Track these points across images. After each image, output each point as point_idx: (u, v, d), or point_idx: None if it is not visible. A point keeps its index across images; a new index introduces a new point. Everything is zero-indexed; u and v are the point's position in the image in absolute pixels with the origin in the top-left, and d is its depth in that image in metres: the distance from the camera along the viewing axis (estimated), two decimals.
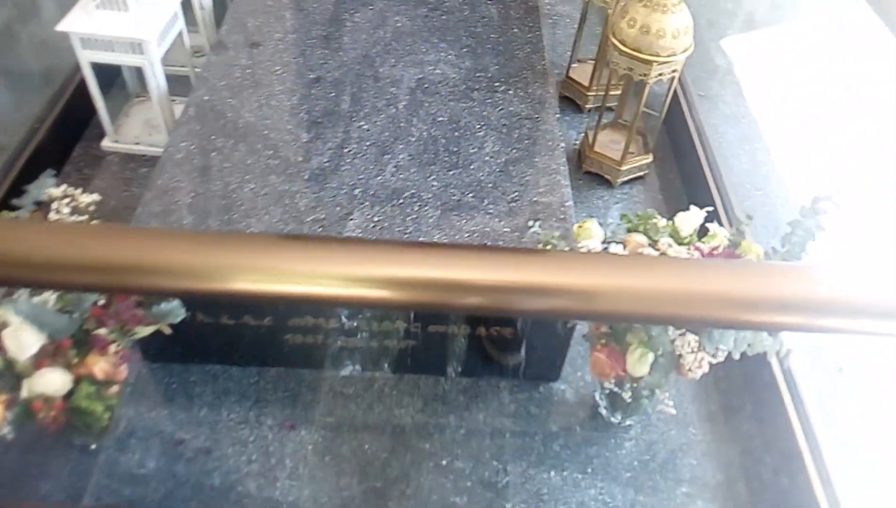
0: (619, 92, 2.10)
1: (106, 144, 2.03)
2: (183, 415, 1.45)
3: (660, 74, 1.78)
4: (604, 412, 1.46)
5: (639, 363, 1.09)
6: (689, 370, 1.12)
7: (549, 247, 1.24)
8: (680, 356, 1.10)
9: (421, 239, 1.43)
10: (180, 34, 1.97)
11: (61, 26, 1.74)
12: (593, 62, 2.29)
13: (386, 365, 1.52)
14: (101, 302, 1.08)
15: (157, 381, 1.50)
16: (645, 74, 1.77)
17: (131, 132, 2.06)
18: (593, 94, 2.27)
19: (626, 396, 1.19)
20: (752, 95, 2.48)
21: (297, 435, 1.43)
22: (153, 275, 0.52)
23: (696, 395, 1.55)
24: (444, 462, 1.41)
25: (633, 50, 1.74)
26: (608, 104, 2.03)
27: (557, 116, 1.78)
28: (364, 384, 1.52)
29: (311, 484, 1.36)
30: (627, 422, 1.46)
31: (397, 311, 1.41)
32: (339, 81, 1.81)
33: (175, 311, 1.14)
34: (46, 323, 1.02)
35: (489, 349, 1.49)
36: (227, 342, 1.49)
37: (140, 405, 1.46)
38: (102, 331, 1.06)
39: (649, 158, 2.06)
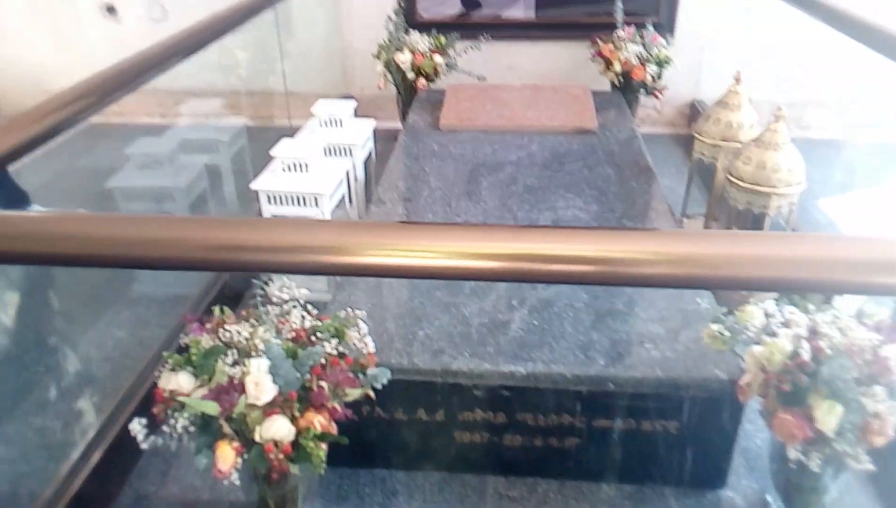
0: None
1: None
2: None
3: (779, 207, 1.93)
4: None
5: (829, 414, 1.11)
6: (878, 432, 1.12)
7: (717, 327, 1.32)
8: (872, 415, 1.11)
9: (580, 338, 1.54)
10: (342, 199, 2.30)
11: (254, 185, 2.09)
12: (703, 217, 2.48)
13: (550, 468, 1.54)
14: (322, 361, 1.22)
15: (328, 483, 1.56)
16: (765, 206, 1.93)
17: None
18: None
19: (815, 465, 1.18)
20: None
21: None
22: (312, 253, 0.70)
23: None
24: None
25: (752, 184, 1.92)
26: None
27: None
28: (528, 487, 1.54)
29: None
30: None
31: (556, 391, 1.47)
32: (482, 223, 2.05)
33: (381, 374, 1.26)
34: (280, 374, 1.16)
35: (653, 449, 1.51)
36: (396, 444, 1.56)
37: (315, 504, 1.51)
38: (324, 388, 1.18)
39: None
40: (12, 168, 2.60)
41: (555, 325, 1.58)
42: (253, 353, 1.17)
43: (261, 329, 1.24)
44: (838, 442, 1.14)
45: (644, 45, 3.17)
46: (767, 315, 1.25)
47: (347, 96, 3.79)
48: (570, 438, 1.50)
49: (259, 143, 2.98)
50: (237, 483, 1.14)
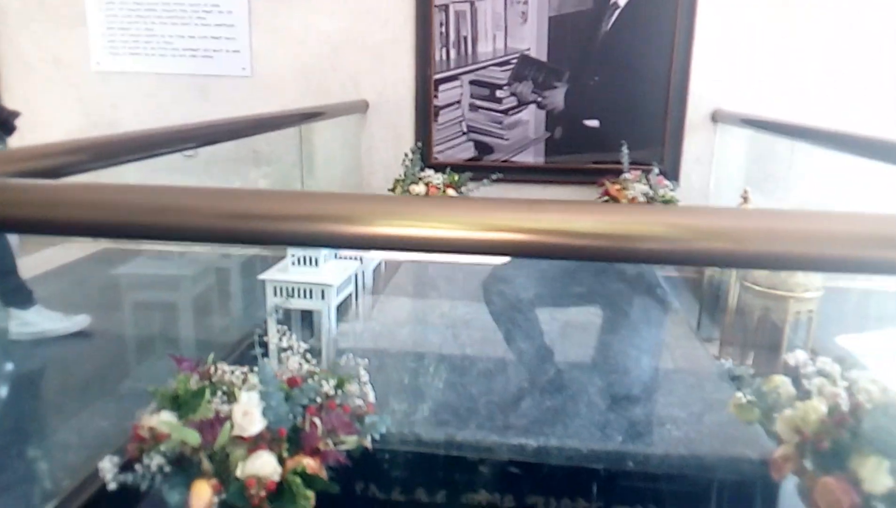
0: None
1: None
2: None
3: (797, 312, 1.88)
4: None
5: (877, 472, 0.99)
6: None
7: (745, 395, 1.23)
8: None
9: (596, 418, 1.43)
10: (350, 297, 2.27)
11: (263, 275, 2.07)
12: (718, 342, 2.41)
13: None
14: (318, 401, 1.12)
15: None
16: (783, 311, 1.88)
17: None
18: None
19: None
20: None
21: None
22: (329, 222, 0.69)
23: None
24: None
25: (768, 289, 1.89)
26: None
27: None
28: None
29: None
30: None
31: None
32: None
33: (380, 423, 1.15)
34: (272, 407, 1.06)
35: None
36: None
37: None
38: (317, 426, 1.08)
39: None
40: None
41: (568, 406, 1.48)
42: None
43: (254, 377, 1.16)
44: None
45: (650, 185, 3.28)
46: (799, 368, 1.16)
47: None
48: None
49: None
50: None
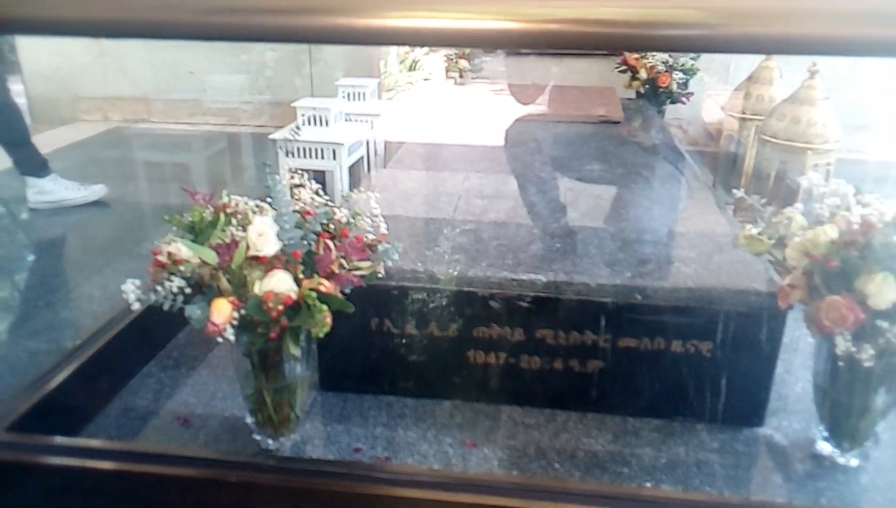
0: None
1: None
2: (359, 430, 1.37)
3: (815, 165, 1.86)
4: (827, 446, 1.28)
5: (883, 286, 1.00)
6: None
7: (754, 227, 1.23)
8: None
9: (606, 256, 1.45)
10: (361, 160, 2.27)
11: (273, 135, 2.06)
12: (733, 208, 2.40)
13: (570, 396, 1.42)
14: (331, 227, 1.14)
15: (330, 404, 1.45)
16: (802, 164, 1.85)
17: None
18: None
19: (867, 356, 1.05)
20: None
21: (480, 451, 1.31)
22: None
23: None
24: (647, 486, 1.23)
25: (787, 141, 1.85)
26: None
27: None
28: (546, 416, 1.41)
29: None
30: (854, 460, 1.26)
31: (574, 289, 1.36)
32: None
33: (392, 249, 1.18)
34: (286, 230, 1.08)
35: (683, 376, 1.38)
36: (406, 365, 1.45)
37: (315, 422, 1.39)
38: (331, 249, 1.10)
39: None
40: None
41: (579, 247, 1.50)
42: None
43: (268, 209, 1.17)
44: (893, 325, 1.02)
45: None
46: (812, 190, 1.16)
47: None
48: (593, 361, 1.38)
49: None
50: (231, 338, 1.05)
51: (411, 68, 3.28)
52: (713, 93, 3.49)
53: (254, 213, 1.16)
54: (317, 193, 1.25)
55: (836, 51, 0.77)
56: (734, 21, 0.64)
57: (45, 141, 3.63)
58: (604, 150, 2.24)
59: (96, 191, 2.65)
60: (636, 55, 3.22)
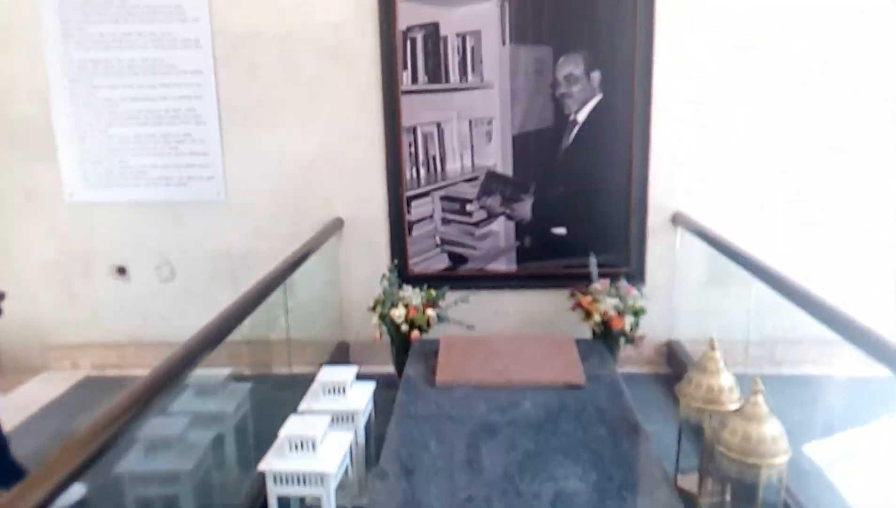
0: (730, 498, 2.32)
1: None
2: None
3: (769, 476, 2.03)
4: None
5: None
6: None
7: None
8: None
9: None
10: (346, 470, 2.35)
11: (262, 466, 2.15)
12: (697, 473, 2.55)
13: None
14: None
15: None
16: (756, 476, 2.02)
17: None
18: (706, 501, 2.48)
19: None
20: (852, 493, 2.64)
21: None
22: None
23: None
24: None
25: (741, 456, 2.03)
26: None
27: None
28: None
29: None
30: None
31: None
32: (487, 498, 2.10)
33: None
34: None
35: None
36: None
37: None
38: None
39: None
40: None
41: None
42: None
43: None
44: None
45: (620, 296, 3.44)
46: None
47: (343, 343, 3.98)
48: None
49: (260, 393, 3.07)
50: None
51: None
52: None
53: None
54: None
55: None
56: None
57: (16, 403, 3.63)
58: (571, 438, 2.40)
59: (74, 493, 2.64)
60: (590, 298, 3.49)
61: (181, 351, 1.97)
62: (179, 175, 3.85)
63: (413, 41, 3.61)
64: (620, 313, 3.37)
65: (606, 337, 3.41)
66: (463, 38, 3.60)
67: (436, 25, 3.59)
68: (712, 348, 2.42)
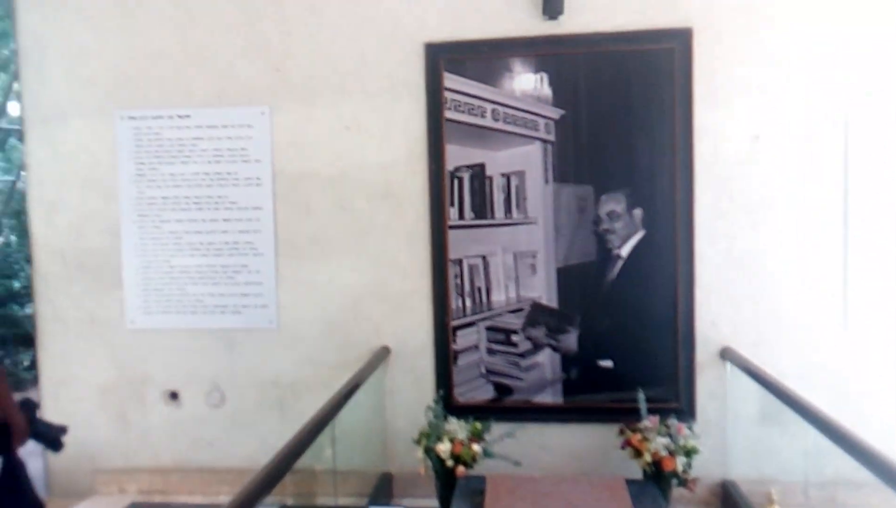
0: None
1: None
2: None
3: None
4: None
5: None
6: None
7: None
8: None
9: None
10: None
11: None
12: None
13: None
14: None
15: None
16: None
17: None
18: None
19: None
20: None
21: None
22: None
23: None
24: None
25: None
26: None
27: None
28: None
29: None
30: None
31: None
32: None
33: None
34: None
35: None
36: None
37: None
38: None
39: None
40: None
41: None
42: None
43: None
44: None
45: (671, 435, 3.37)
46: None
47: (387, 474, 3.93)
48: None
49: None
50: None
51: None
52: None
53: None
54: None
55: None
56: None
57: None
58: None
59: None
60: (639, 436, 3.41)
61: (237, 501, 1.99)
62: (234, 303, 4.01)
63: (460, 180, 3.80)
64: (672, 454, 3.28)
65: (658, 477, 3.31)
66: (508, 177, 3.77)
67: (482, 166, 3.78)
68: (770, 501, 2.35)
